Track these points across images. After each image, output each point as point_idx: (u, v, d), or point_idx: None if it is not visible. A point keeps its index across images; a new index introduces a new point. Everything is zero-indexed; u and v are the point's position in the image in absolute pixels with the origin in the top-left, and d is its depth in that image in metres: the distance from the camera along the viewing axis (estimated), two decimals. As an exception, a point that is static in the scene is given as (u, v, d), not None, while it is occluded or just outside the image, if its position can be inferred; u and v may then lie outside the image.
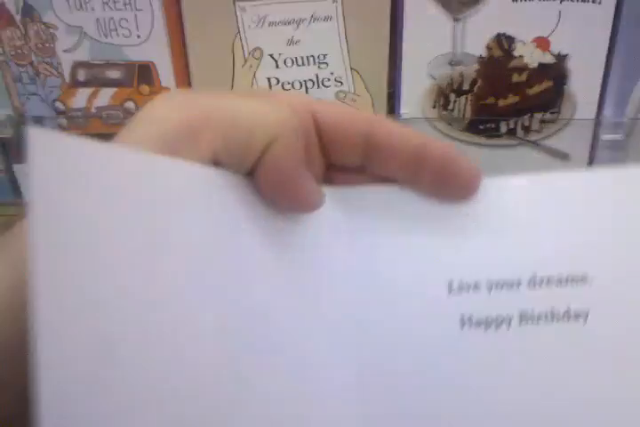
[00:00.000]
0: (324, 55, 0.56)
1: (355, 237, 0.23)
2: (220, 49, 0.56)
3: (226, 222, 0.20)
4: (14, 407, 0.18)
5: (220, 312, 0.19)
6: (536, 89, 0.57)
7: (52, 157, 0.14)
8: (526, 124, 0.58)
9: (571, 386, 0.22)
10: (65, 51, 0.56)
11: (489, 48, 0.56)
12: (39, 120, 0.58)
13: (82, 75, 0.57)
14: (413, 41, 0.56)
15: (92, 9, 0.54)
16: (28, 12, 0.55)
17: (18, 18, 0.55)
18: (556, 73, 0.56)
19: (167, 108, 0.20)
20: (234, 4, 0.54)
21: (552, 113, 0.58)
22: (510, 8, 0.54)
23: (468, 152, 0.59)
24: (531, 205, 0.23)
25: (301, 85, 0.58)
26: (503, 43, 0.56)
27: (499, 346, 0.22)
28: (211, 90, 0.22)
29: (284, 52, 0.56)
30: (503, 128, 0.59)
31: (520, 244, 0.23)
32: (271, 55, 0.57)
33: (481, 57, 0.56)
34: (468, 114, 0.58)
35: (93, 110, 0.59)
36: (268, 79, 0.57)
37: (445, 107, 0.58)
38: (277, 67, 0.57)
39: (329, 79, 0.57)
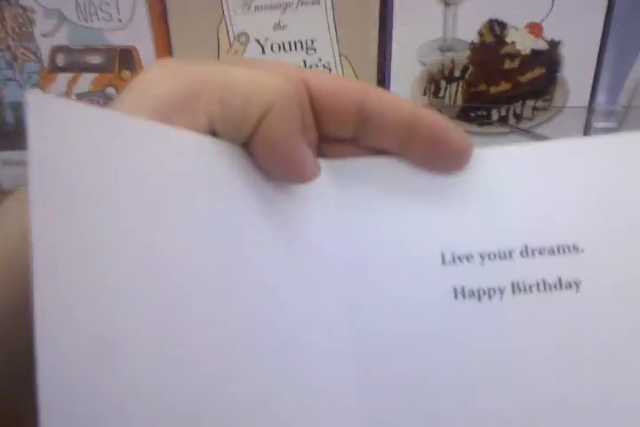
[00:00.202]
0: (312, 40, 0.55)
1: (348, 209, 0.23)
2: (204, 34, 0.54)
3: (221, 191, 0.20)
4: (6, 367, 0.18)
5: (217, 284, 0.19)
6: (528, 76, 0.56)
7: (49, 119, 0.14)
8: (518, 111, 0.57)
9: (564, 354, 0.22)
10: (43, 35, 0.55)
11: (481, 34, 0.55)
12: (17, 106, 0.56)
13: (61, 60, 0.56)
14: (403, 26, 0.54)
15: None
16: (4, -6, 0.53)
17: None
18: (548, 60, 0.55)
19: (162, 76, 0.20)
20: (218, -14, 0.52)
21: (544, 100, 0.57)
22: (502, -7, 0.53)
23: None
24: (522, 176, 0.23)
25: (288, 72, 0.56)
26: (495, 28, 0.55)
27: (492, 316, 0.23)
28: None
29: (271, 37, 0.55)
30: (495, 116, 0.58)
31: (512, 214, 0.23)
32: (257, 40, 0.55)
33: (472, 43, 0.55)
34: (459, 101, 0.57)
35: (73, 96, 0.57)
36: (255, 65, 0.56)
37: (436, 94, 0.57)
38: (264, 52, 0.55)
39: (317, 65, 0.56)
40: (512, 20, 0.54)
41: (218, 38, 0.55)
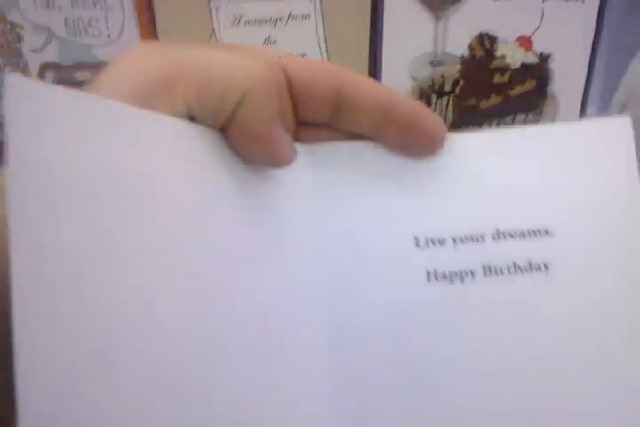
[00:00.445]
0: (303, 55, 0.55)
1: (323, 193, 0.24)
2: (194, 49, 0.54)
3: (198, 175, 0.20)
4: None
5: (190, 267, 0.19)
6: (518, 90, 0.56)
7: (28, 103, 0.14)
8: (509, 125, 0.57)
9: (533, 334, 0.23)
10: (32, 51, 0.54)
11: (471, 48, 0.55)
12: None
13: (50, 76, 0.55)
14: (394, 41, 0.54)
15: (60, 8, 0.52)
16: (-8, 10, 0.52)
17: (-18, 17, 0.53)
18: (538, 73, 0.55)
19: (140, 60, 0.20)
20: (208, 2, 0.52)
21: (535, 114, 0.57)
22: (492, 7, 0.53)
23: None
24: (495, 160, 0.24)
25: (279, 86, 0.56)
26: (485, 42, 0.55)
27: (464, 298, 0.23)
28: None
29: (261, 52, 0.55)
30: (486, 130, 0.58)
31: (485, 198, 0.23)
32: (248, 55, 0.55)
33: (463, 57, 0.55)
34: (450, 115, 0.57)
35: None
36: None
37: (427, 108, 0.57)
38: (254, 67, 0.55)
39: (307, 80, 0.56)
40: (502, 33, 0.54)
41: (208, 53, 0.54)
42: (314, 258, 0.23)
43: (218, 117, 0.20)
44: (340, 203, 0.24)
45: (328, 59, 0.55)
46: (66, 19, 0.53)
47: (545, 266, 0.23)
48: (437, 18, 0.54)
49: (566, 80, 0.56)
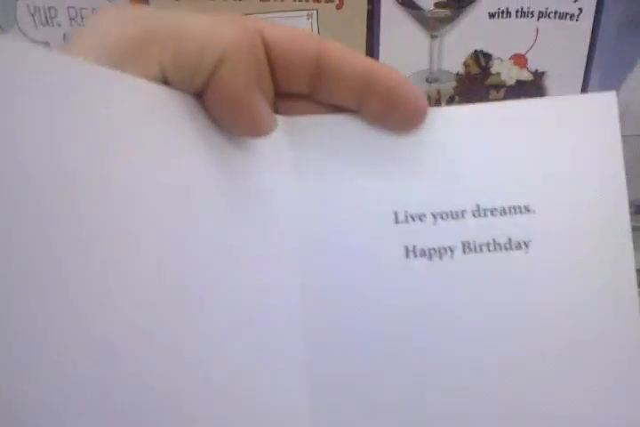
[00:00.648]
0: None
1: (303, 166, 0.23)
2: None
3: (172, 142, 0.19)
4: None
5: (165, 240, 0.18)
6: (514, 106, 0.57)
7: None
8: (504, 141, 0.58)
9: (511, 312, 0.23)
10: (31, 67, 0.55)
11: (466, 65, 0.55)
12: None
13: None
14: (390, 58, 0.55)
15: (59, 25, 0.52)
16: (-8, 27, 0.53)
17: (-20, 33, 0.53)
18: (533, 90, 0.56)
19: (113, 22, 0.19)
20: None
21: (530, 131, 0.57)
22: (487, 25, 0.54)
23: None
24: (478, 136, 0.23)
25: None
26: (480, 60, 0.55)
27: (442, 275, 0.23)
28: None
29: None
30: (481, 146, 0.58)
31: (466, 174, 0.23)
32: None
33: (458, 74, 0.56)
34: (446, 131, 0.57)
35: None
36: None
37: (423, 124, 0.57)
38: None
39: (304, 96, 0.56)
40: (497, 51, 0.55)
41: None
42: (290, 232, 0.23)
43: (194, 82, 0.19)
44: (320, 176, 0.23)
45: (325, 75, 0.56)
46: (65, 35, 0.53)
47: (525, 244, 0.23)
48: (433, 36, 0.54)
49: (561, 97, 0.56)
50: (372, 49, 0.54)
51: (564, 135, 0.23)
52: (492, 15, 0.54)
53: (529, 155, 0.23)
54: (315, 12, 0.53)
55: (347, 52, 0.22)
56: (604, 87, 0.56)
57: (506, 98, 0.56)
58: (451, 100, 0.57)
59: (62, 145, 0.15)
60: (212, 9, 0.20)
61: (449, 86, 0.56)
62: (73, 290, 0.15)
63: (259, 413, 0.21)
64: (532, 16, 0.54)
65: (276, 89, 0.22)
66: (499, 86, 0.56)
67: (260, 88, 0.20)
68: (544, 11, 0.54)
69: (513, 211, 0.23)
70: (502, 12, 0.54)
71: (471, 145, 0.23)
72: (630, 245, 0.23)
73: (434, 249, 0.23)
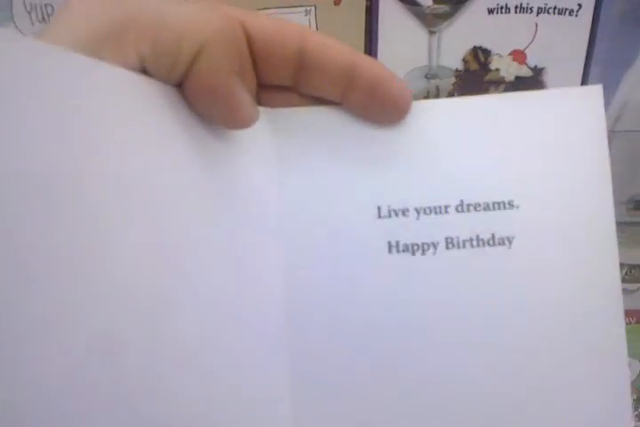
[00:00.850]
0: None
1: (286, 159, 0.23)
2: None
3: (150, 134, 0.19)
4: None
5: (144, 233, 0.18)
6: (513, 103, 0.56)
7: None
8: (503, 138, 0.58)
9: (494, 308, 0.23)
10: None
11: (465, 61, 0.55)
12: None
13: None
14: (388, 54, 0.55)
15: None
16: (-12, 24, 0.53)
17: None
18: (532, 86, 0.56)
19: (89, 9, 0.18)
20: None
21: (529, 127, 0.57)
22: (486, 20, 0.54)
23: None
24: (462, 130, 0.23)
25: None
26: (479, 56, 0.55)
27: (424, 270, 0.23)
28: None
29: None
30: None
31: (450, 169, 0.23)
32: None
33: (457, 70, 0.55)
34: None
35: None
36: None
37: (422, 121, 0.57)
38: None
39: (303, 93, 0.56)
40: (496, 47, 0.55)
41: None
42: (272, 226, 0.23)
43: (173, 71, 0.19)
44: (303, 169, 0.23)
45: (323, 72, 0.55)
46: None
47: (508, 240, 0.23)
48: (431, 32, 0.54)
49: (560, 93, 0.56)
50: (370, 45, 0.54)
51: (550, 130, 0.23)
52: (490, 11, 0.53)
53: (513, 149, 0.23)
54: (313, 7, 0.53)
55: (330, 44, 0.21)
56: (603, 83, 0.55)
57: (505, 94, 0.56)
58: (450, 97, 0.56)
59: (31, 142, 0.14)
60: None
61: (448, 83, 0.56)
62: (39, 291, 0.14)
63: (242, 414, 0.21)
64: (532, 12, 0.53)
65: (259, 80, 0.22)
66: (498, 82, 0.56)
67: (241, 79, 0.20)
68: (543, 6, 0.53)
69: (497, 206, 0.23)
70: (501, 8, 0.53)
71: (456, 139, 0.23)
72: (614, 240, 0.23)
73: (417, 244, 0.23)
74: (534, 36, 0.54)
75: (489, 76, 0.56)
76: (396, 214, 0.23)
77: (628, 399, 0.23)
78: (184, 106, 0.20)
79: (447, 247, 0.23)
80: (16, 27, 0.52)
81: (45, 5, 0.51)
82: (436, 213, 0.23)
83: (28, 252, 0.14)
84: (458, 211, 0.23)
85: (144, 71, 0.19)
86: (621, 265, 0.62)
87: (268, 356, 0.23)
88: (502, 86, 0.56)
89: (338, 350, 0.23)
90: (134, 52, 0.18)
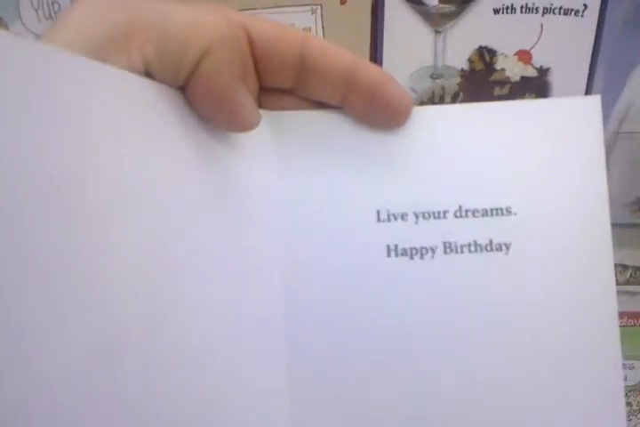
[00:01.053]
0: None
1: (286, 162, 0.23)
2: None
3: (155, 135, 0.19)
4: None
5: (145, 232, 0.18)
6: (518, 103, 0.57)
7: None
8: (508, 138, 0.58)
9: (490, 313, 0.23)
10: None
11: (470, 61, 0.55)
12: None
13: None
14: (394, 53, 0.55)
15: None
16: (-5, 21, 0.53)
17: (-17, 28, 0.53)
18: (537, 87, 0.56)
19: (94, 12, 0.18)
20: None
21: (534, 127, 0.57)
22: (492, 21, 0.54)
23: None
24: (463, 136, 0.23)
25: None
26: (485, 56, 0.55)
27: (422, 274, 0.23)
28: None
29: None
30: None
31: (449, 175, 0.23)
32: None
33: (462, 70, 0.55)
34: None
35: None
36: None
37: (427, 120, 0.57)
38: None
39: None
40: (501, 47, 0.55)
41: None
42: (273, 229, 0.23)
43: (177, 75, 0.19)
44: (303, 173, 0.23)
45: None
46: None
47: (505, 246, 0.23)
48: (437, 32, 0.54)
49: (565, 93, 0.56)
50: (375, 44, 0.54)
51: (548, 138, 0.23)
52: (496, 11, 0.53)
53: (512, 157, 0.23)
54: (319, 6, 0.53)
55: (331, 48, 0.21)
56: (609, 83, 0.55)
57: (510, 94, 0.56)
58: (455, 97, 0.56)
59: (40, 144, 0.14)
60: (211, 2, 0.19)
61: (453, 82, 0.56)
62: (55, 291, 0.14)
63: (241, 415, 0.21)
64: (537, 12, 0.54)
65: (260, 83, 0.22)
66: (503, 82, 0.56)
67: (243, 82, 0.20)
68: (549, 6, 0.53)
69: (495, 213, 0.23)
70: (507, 8, 0.53)
71: (455, 146, 0.23)
72: (610, 250, 0.23)
73: (415, 249, 0.23)
74: (540, 37, 0.54)
75: (494, 76, 0.56)
76: (395, 218, 0.23)
77: (621, 399, 0.23)
78: (186, 108, 0.20)
79: (445, 252, 0.23)
80: (23, 24, 0.53)
81: (52, 3, 0.52)
82: (434, 217, 0.23)
83: (34, 252, 0.14)
84: (456, 216, 0.23)
85: (148, 74, 0.19)
86: (626, 267, 0.62)
87: (267, 356, 0.23)
88: (507, 86, 0.56)
89: (336, 350, 0.23)
90: (139, 54, 0.18)
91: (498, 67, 0.55)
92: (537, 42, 0.54)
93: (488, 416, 0.23)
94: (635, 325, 0.65)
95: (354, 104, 0.22)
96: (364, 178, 0.23)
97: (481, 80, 0.56)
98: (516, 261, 0.23)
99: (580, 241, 0.23)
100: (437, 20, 0.54)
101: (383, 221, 0.23)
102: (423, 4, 0.53)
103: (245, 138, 0.22)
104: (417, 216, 0.23)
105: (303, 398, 0.23)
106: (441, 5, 0.53)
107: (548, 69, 0.55)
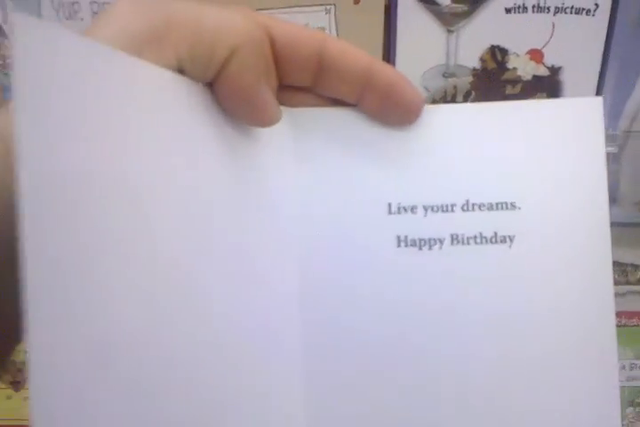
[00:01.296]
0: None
1: (303, 156, 0.25)
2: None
3: (187, 128, 0.20)
4: None
5: (176, 219, 0.19)
6: (530, 101, 0.57)
7: (36, 42, 0.14)
8: (520, 136, 0.58)
9: (494, 302, 0.24)
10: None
11: (482, 60, 0.56)
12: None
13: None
14: (407, 52, 0.55)
15: (82, 19, 0.53)
16: (17, 21, 0.54)
17: (6, 27, 0.54)
18: (549, 85, 0.56)
19: (132, 12, 0.19)
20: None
21: (546, 125, 0.58)
22: (504, 20, 0.54)
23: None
24: (471, 134, 0.25)
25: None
26: (497, 55, 0.56)
27: (430, 264, 0.24)
28: None
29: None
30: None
31: (458, 170, 0.24)
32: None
33: (474, 69, 0.56)
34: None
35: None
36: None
37: (439, 119, 0.58)
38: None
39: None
40: (513, 46, 0.55)
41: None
42: (289, 220, 0.24)
43: (206, 73, 0.20)
44: (319, 168, 0.24)
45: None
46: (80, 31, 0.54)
47: (510, 238, 0.24)
48: (449, 31, 0.55)
49: (577, 92, 0.56)
50: (388, 43, 0.55)
51: (551, 137, 0.24)
52: (508, 10, 0.54)
53: (517, 154, 0.24)
54: (332, 6, 0.54)
55: (348, 49, 0.23)
56: (620, 82, 0.56)
57: (522, 93, 0.56)
58: (467, 95, 0.57)
59: (88, 139, 0.16)
60: (229, 2, 0.20)
61: (465, 81, 0.56)
62: (96, 282, 0.15)
63: (255, 410, 0.22)
64: (549, 11, 0.54)
65: (280, 81, 0.23)
66: (515, 81, 0.56)
67: (266, 81, 0.21)
68: (560, 6, 0.54)
69: (500, 207, 0.24)
70: (519, 7, 0.54)
71: (464, 143, 0.24)
72: (608, 243, 0.24)
73: (424, 240, 0.24)
74: (551, 36, 0.55)
75: (506, 75, 0.56)
76: (405, 211, 0.24)
77: (616, 393, 0.24)
78: (213, 103, 0.21)
79: (452, 243, 0.24)
80: (43, 24, 0.54)
81: (72, 3, 0.53)
82: (442, 211, 0.24)
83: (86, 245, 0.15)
84: (463, 210, 0.24)
85: (180, 71, 0.20)
86: (637, 267, 0.63)
87: (281, 339, 0.24)
88: (519, 85, 0.56)
89: (349, 334, 0.24)
90: (173, 53, 0.19)
91: (510, 66, 0.56)
92: (548, 41, 0.55)
93: (482, 403, 0.24)
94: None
95: (369, 102, 0.24)
96: (377, 172, 0.24)
97: (493, 79, 0.56)
98: (519, 253, 0.24)
99: (579, 234, 0.24)
100: (450, 20, 0.54)
101: (394, 214, 0.24)
102: (436, 3, 0.54)
103: (264, 131, 0.23)
104: (426, 209, 0.24)
105: (317, 384, 0.24)
106: (453, 5, 0.54)
107: (559, 68, 0.56)
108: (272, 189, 0.24)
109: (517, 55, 0.55)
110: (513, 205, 0.24)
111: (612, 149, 0.57)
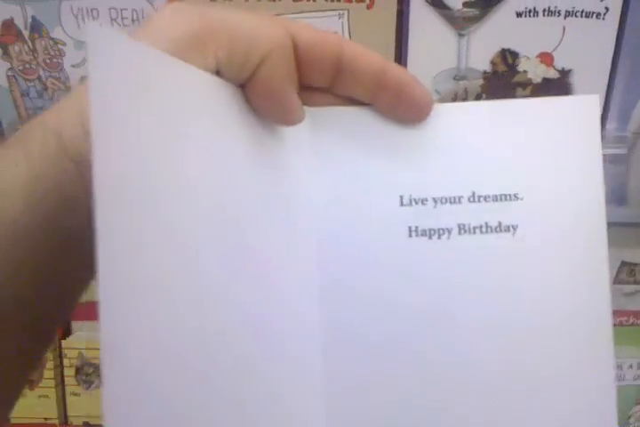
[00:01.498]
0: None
1: (321, 152, 0.26)
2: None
3: (227, 128, 0.22)
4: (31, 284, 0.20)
5: (211, 202, 0.21)
6: (540, 104, 0.58)
7: (108, 51, 0.16)
8: (530, 138, 0.59)
9: (498, 287, 0.26)
10: (73, 66, 0.57)
11: (493, 63, 0.56)
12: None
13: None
14: (418, 56, 0.56)
15: (100, 25, 0.54)
16: (37, 27, 0.55)
17: (26, 33, 0.55)
18: (559, 88, 0.57)
19: (175, 19, 0.21)
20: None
21: (556, 127, 0.58)
22: (514, 23, 0.55)
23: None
24: (477, 130, 0.26)
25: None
26: (507, 58, 0.56)
27: (439, 252, 0.26)
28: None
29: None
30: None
31: (464, 164, 0.26)
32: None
33: (485, 72, 0.57)
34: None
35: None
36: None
37: (450, 121, 0.58)
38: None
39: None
40: (524, 49, 0.56)
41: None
42: (310, 207, 0.26)
43: (240, 76, 0.22)
44: (336, 162, 0.26)
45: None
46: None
47: (513, 227, 0.26)
48: (460, 34, 0.55)
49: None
50: (401, 47, 0.56)
51: (551, 132, 0.26)
52: (519, 14, 0.55)
53: (519, 149, 0.26)
54: (346, 11, 0.54)
55: (364, 52, 0.24)
56: (629, 84, 0.56)
57: (532, 95, 0.57)
58: (478, 98, 0.58)
59: (148, 142, 0.17)
60: (246, 8, 0.22)
61: (476, 84, 0.57)
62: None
63: (274, 411, 0.23)
64: (559, 15, 0.55)
65: (300, 82, 0.25)
66: (525, 84, 0.57)
67: (294, 82, 0.23)
68: (571, 10, 0.54)
69: (504, 198, 0.26)
70: (529, 11, 0.55)
71: (470, 138, 0.26)
72: (604, 234, 0.26)
73: (433, 230, 0.26)
74: (562, 39, 0.55)
75: (516, 78, 0.57)
76: (416, 203, 0.26)
77: (612, 387, 0.25)
78: (244, 103, 0.23)
79: (460, 233, 0.26)
80: (63, 30, 0.55)
81: (91, 10, 0.54)
82: (450, 202, 0.26)
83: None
84: (470, 201, 0.26)
85: (217, 74, 0.22)
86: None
87: (302, 321, 0.25)
88: (530, 88, 0.57)
89: (366, 321, 0.26)
90: (213, 57, 0.21)
91: (520, 69, 0.56)
92: (559, 44, 0.55)
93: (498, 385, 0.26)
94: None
95: (382, 101, 0.25)
96: (390, 166, 0.26)
97: (503, 82, 0.57)
98: (522, 241, 0.26)
99: (578, 223, 0.26)
100: (461, 24, 0.55)
101: (405, 205, 0.26)
102: (447, 8, 0.54)
103: (288, 130, 0.25)
104: (435, 201, 0.26)
105: (336, 370, 0.25)
106: (465, 9, 0.54)
107: (569, 71, 0.56)
108: (295, 183, 0.26)
109: (528, 58, 0.56)
110: (516, 197, 0.26)
111: (622, 151, 0.58)
